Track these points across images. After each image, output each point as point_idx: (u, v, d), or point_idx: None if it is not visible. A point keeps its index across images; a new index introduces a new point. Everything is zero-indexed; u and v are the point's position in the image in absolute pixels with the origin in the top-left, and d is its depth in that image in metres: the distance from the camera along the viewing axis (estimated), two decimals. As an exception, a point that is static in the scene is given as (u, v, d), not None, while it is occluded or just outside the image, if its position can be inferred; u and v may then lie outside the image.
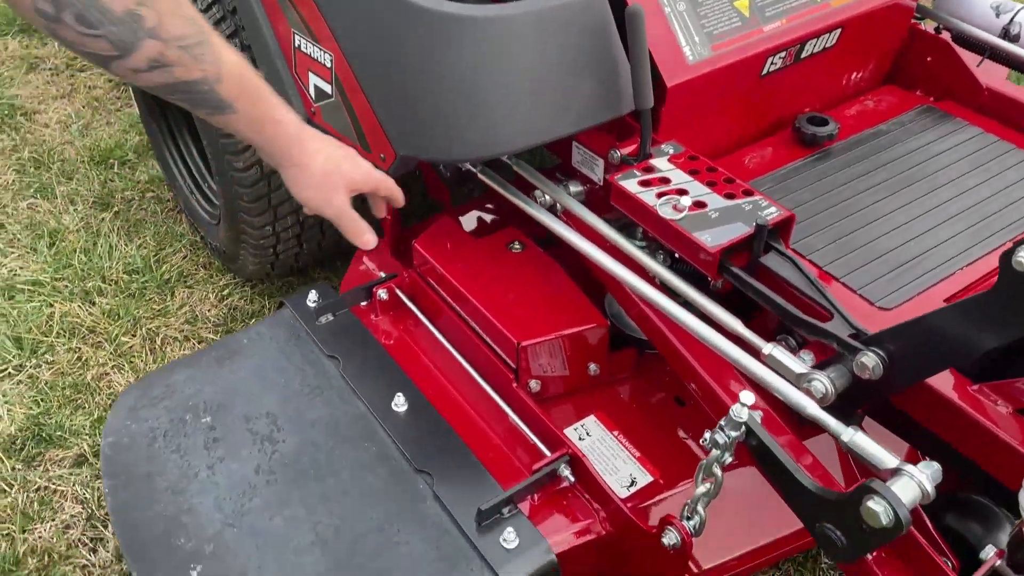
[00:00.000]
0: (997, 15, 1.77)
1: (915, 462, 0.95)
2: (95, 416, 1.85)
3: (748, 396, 1.02)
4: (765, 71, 1.52)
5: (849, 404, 1.11)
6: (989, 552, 1.03)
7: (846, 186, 1.50)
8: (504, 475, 1.30)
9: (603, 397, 1.49)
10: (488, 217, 1.73)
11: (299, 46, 1.51)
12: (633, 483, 1.34)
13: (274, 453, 1.36)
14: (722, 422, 1.04)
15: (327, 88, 1.49)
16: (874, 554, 1.02)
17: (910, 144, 1.60)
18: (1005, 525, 1.14)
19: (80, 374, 1.95)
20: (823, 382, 1.07)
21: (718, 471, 1.07)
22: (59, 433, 1.81)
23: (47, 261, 2.22)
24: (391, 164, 1.41)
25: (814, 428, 1.12)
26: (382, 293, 1.58)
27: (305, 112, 1.57)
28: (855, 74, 1.72)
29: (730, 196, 1.27)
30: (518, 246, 1.56)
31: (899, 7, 1.66)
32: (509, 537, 1.22)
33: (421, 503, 1.28)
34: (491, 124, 1.32)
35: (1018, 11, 1.72)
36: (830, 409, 1.08)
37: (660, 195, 1.28)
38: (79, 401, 1.89)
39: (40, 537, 1.64)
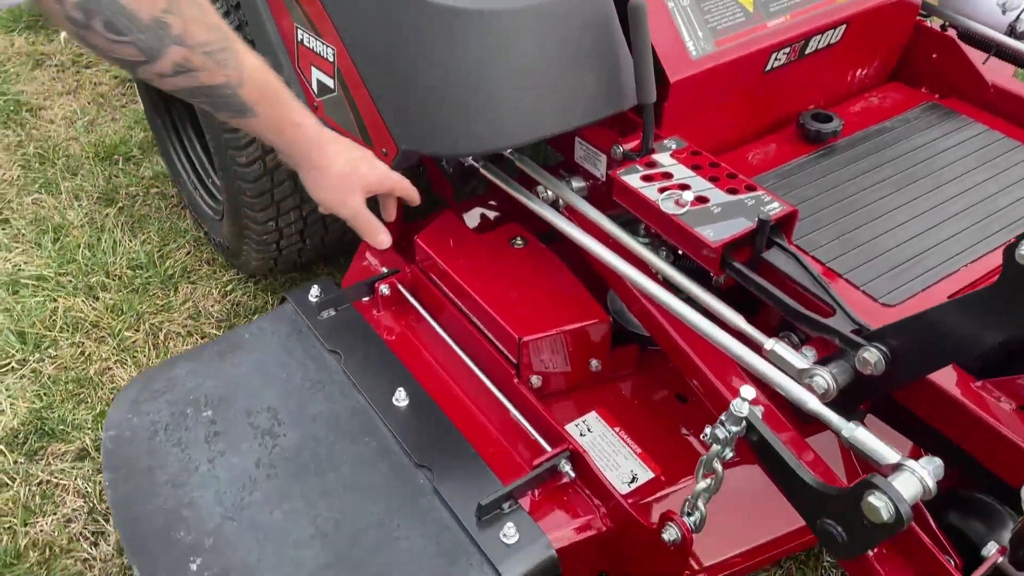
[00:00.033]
0: (1003, 12, 1.76)
1: (917, 459, 0.94)
2: (97, 410, 1.86)
3: (749, 391, 1.02)
4: (769, 67, 1.52)
5: (851, 400, 1.11)
6: (991, 549, 1.02)
7: (850, 183, 1.49)
8: (505, 471, 1.30)
9: (605, 393, 1.49)
10: (491, 213, 1.73)
11: (302, 40, 1.51)
12: (634, 479, 1.34)
13: (275, 447, 1.36)
14: (722, 417, 1.03)
15: (329, 83, 1.49)
16: (875, 551, 1.02)
17: (915, 141, 1.59)
18: (1008, 522, 1.13)
19: (83, 369, 1.95)
20: (825, 378, 1.07)
21: (719, 466, 1.07)
22: (61, 427, 1.82)
23: (51, 256, 2.23)
24: (393, 158, 1.41)
25: (816, 425, 1.11)
26: (384, 288, 1.57)
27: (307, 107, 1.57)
28: (860, 71, 1.71)
29: (732, 191, 1.26)
30: (520, 242, 1.56)
31: (904, 4, 1.66)
32: (509, 532, 1.22)
33: (421, 498, 1.28)
34: (493, 118, 1.32)
35: (1024, 8, 1.71)
36: (832, 405, 1.07)
37: (662, 190, 1.27)
38: (82, 395, 1.90)
39: (41, 531, 1.64)
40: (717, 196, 1.26)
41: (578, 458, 1.30)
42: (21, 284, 2.14)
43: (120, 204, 2.42)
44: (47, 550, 1.61)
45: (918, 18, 1.75)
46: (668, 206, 1.25)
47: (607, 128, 1.46)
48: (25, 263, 2.21)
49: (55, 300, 2.10)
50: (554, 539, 1.23)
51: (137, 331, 2.04)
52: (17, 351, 1.97)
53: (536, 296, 1.46)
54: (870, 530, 0.90)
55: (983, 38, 1.73)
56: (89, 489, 1.71)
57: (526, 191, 1.49)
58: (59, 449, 1.78)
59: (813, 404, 1.06)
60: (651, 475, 1.35)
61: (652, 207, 1.26)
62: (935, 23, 1.79)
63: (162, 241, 2.30)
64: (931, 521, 1.10)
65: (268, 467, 1.33)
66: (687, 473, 1.34)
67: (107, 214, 2.38)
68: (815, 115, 1.60)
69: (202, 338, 2.05)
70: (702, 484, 1.10)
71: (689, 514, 1.15)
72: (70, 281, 2.16)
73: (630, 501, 1.27)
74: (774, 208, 1.23)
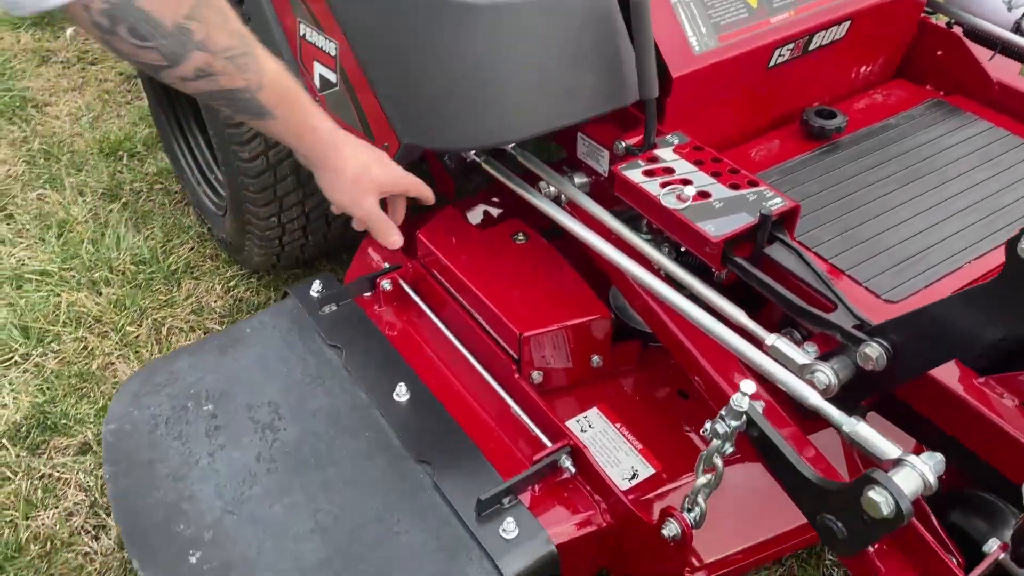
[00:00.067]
0: (1009, 9, 1.75)
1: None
2: (100, 405, 1.86)
3: (749, 385, 1.01)
4: (772, 63, 1.51)
5: (853, 397, 1.10)
6: (992, 546, 1.01)
7: (854, 179, 1.48)
8: (505, 466, 1.30)
9: (606, 389, 1.48)
10: (493, 210, 1.73)
11: (304, 35, 1.51)
12: (635, 475, 1.34)
13: (275, 441, 1.35)
14: (723, 412, 1.03)
15: (332, 77, 1.49)
16: (876, 547, 1.01)
17: (919, 138, 1.58)
18: (1010, 521, 1.12)
19: (86, 363, 1.95)
20: (826, 373, 1.06)
21: (719, 462, 1.06)
22: (64, 421, 1.82)
23: (55, 251, 2.23)
24: (395, 153, 1.41)
25: (819, 423, 1.11)
26: (386, 284, 1.57)
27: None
28: (864, 67, 1.71)
29: (735, 186, 1.26)
30: (522, 237, 1.56)
31: (909, 0, 1.65)
32: (509, 527, 1.21)
33: (421, 493, 1.28)
34: (495, 113, 1.32)
35: (1030, 5, 1.70)
36: (834, 402, 1.07)
37: (664, 185, 1.27)
38: (84, 390, 1.90)
39: (43, 524, 1.64)
40: (719, 191, 1.26)
41: (579, 454, 1.30)
42: (25, 279, 2.15)
43: (124, 200, 2.42)
44: (48, 543, 1.61)
45: (923, 15, 1.74)
46: (670, 201, 1.24)
47: (609, 124, 1.46)
48: (29, 258, 2.22)
49: (58, 295, 2.10)
50: (554, 535, 1.23)
51: (140, 326, 2.05)
52: (20, 345, 1.98)
53: (537, 292, 1.45)
54: (870, 525, 0.90)
55: (988, 35, 1.72)
56: (91, 483, 1.71)
57: (528, 186, 1.48)
58: (61, 443, 1.79)
59: (814, 399, 1.05)
60: (652, 471, 1.35)
61: (654, 202, 1.25)
62: (941, 21, 1.79)
63: (165, 237, 2.30)
64: (933, 518, 1.09)
65: (268, 461, 1.33)
66: (688, 470, 1.33)
67: (111, 210, 2.38)
68: (819, 111, 1.60)
69: (204, 333, 2.05)
70: (702, 480, 1.10)
71: (689, 510, 1.14)
72: (73, 276, 2.16)
73: (630, 497, 1.27)
74: (776, 203, 1.22)
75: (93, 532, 1.64)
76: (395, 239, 1.32)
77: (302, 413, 1.39)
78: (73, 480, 1.72)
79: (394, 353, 1.47)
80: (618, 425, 1.42)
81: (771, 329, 1.18)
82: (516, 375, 1.40)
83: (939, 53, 1.74)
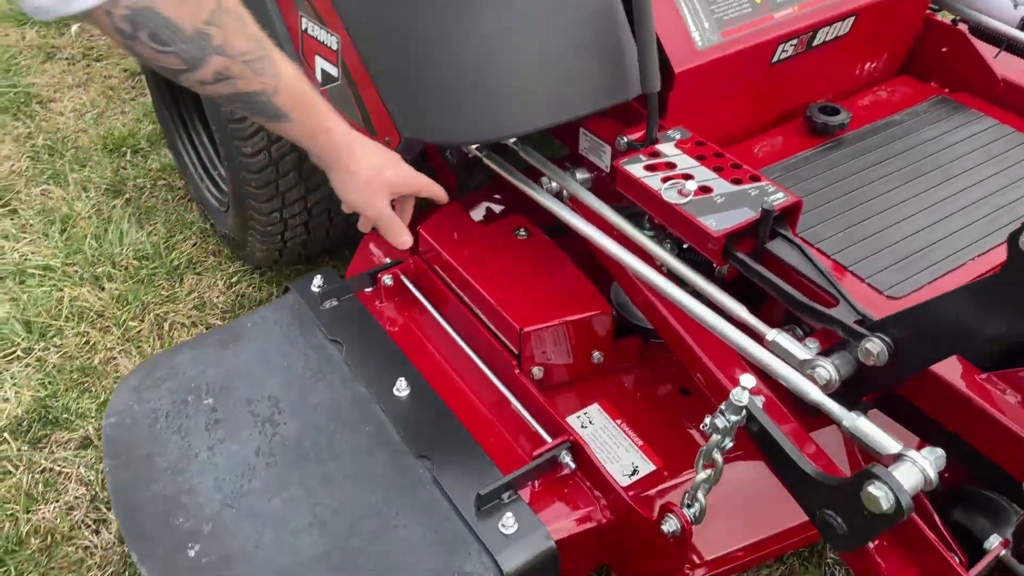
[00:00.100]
0: (1015, 6, 1.74)
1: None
2: (101, 399, 1.86)
3: (749, 379, 1.01)
4: (776, 59, 1.50)
5: (854, 393, 1.09)
6: (993, 542, 1.00)
7: (857, 175, 1.48)
8: (505, 461, 1.29)
9: (607, 386, 1.48)
10: (495, 206, 1.72)
11: (306, 29, 1.51)
12: (635, 471, 1.33)
13: (275, 436, 1.35)
14: (722, 406, 1.02)
15: (334, 72, 1.48)
16: (877, 544, 1.00)
17: (924, 134, 1.57)
18: (1012, 519, 1.12)
19: (88, 358, 1.95)
20: (827, 368, 1.06)
21: (718, 457, 1.06)
22: (65, 416, 1.82)
23: (58, 246, 2.24)
24: (396, 147, 1.41)
25: (821, 420, 1.10)
26: (387, 279, 1.57)
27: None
28: (869, 64, 1.70)
29: (736, 181, 1.25)
30: (523, 233, 1.55)
31: (914, -4, 1.64)
32: (508, 523, 1.21)
33: (421, 488, 1.27)
34: (495, 107, 1.31)
35: (1036, 2, 1.69)
36: (835, 397, 1.06)
37: (665, 179, 1.26)
38: (86, 384, 1.90)
39: (43, 518, 1.64)
40: (721, 186, 1.25)
41: (579, 450, 1.29)
42: (28, 274, 2.15)
43: (127, 195, 2.42)
44: (49, 537, 1.61)
45: (929, 12, 1.73)
46: (671, 195, 1.24)
47: (611, 119, 1.45)
48: (32, 253, 2.22)
49: (61, 290, 2.11)
50: (553, 530, 1.22)
51: (142, 321, 2.05)
52: (23, 340, 1.98)
53: (538, 287, 1.45)
54: (870, 521, 0.89)
55: (994, 32, 1.71)
56: (92, 477, 1.71)
57: (530, 181, 1.48)
58: (63, 437, 1.79)
59: (814, 394, 1.05)
60: (652, 467, 1.34)
61: (655, 196, 1.25)
62: (947, 18, 1.78)
63: (168, 232, 2.30)
64: (934, 515, 1.09)
65: (268, 455, 1.33)
66: (689, 467, 1.32)
67: (114, 205, 2.39)
68: (822, 108, 1.59)
69: (206, 329, 2.05)
70: (702, 475, 1.09)
71: (689, 506, 1.14)
72: (76, 271, 2.17)
73: (631, 493, 1.26)
74: (778, 198, 1.21)
75: (93, 526, 1.64)
76: (405, 239, 1.35)
77: (302, 407, 1.39)
78: (74, 474, 1.72)
79: (394, 348, 1.47)
80: (619, 421, 1.41)
81: (773, 326, 1.17)
82: (516, 371, 1.39)
83: (944, 50, 1.73)
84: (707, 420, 1.04)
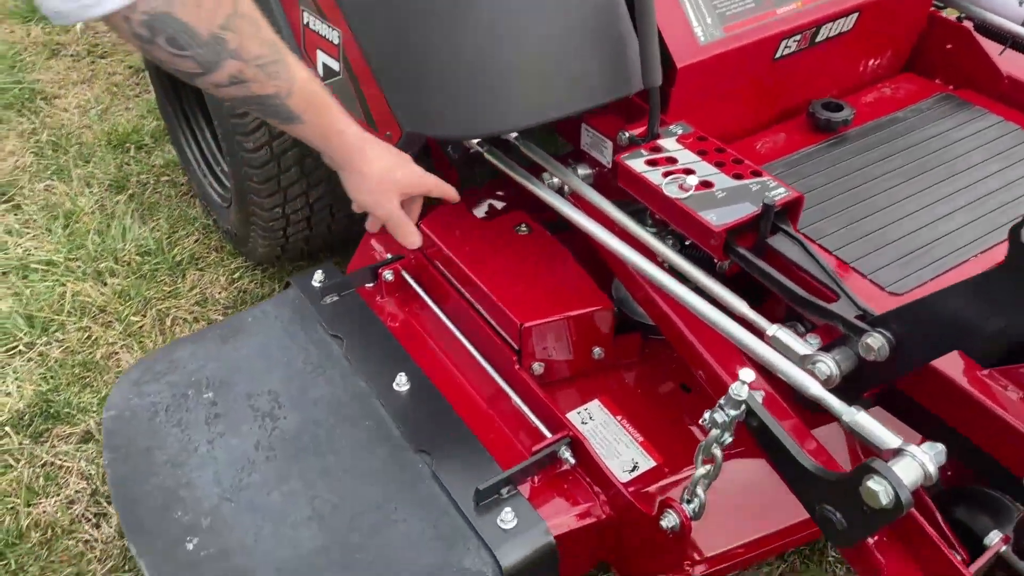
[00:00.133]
0: (1020, 3, 1.73)
1: (921, 447, 0.93)
2: (103, 394, 1.86)
3: (748, 373, 1.00)
4: (779, 54, 1.50)
5: (855, 388, 1.09)
6: (994, 538, 1.00)
7: (860, 172, 1.47)
8: (505, 457, 1.29)
9: (608, 382, 1.47)
10: (496, 203, 1.71)
11: (308, 24, 1.51)
12: (635, 467, 1.32)
13: (274, 430, 1.35)
14: (721, 401, 1.02)
15: (335, 66, 1.48)
16: (877, 540, 1.00)
17: (927, 131, 1.56)
18: (1014, 516, 1.11)
19: (89, 352, 1.95)
20: (828, 364, 1.05)
21: (718, 452, 1.05)
22: (67, 410, 1.82)
23: (61, 241, 2.24)
24: (397, 141, 1.40)
25: (822, 417, 1.09)
26: (388, 274, 1.57)
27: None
28: (872, 60, 1.69)
29: (738, 176, 1.25)
30: (525, 229, 1.55)
31: (918, -8, 1.64)
32: (507, 518, 1.21)
33: (420, 482, 1.27)
34: (496, 100, 1.31)
35: (1042, -1, 1.68)
36: (836, 393, 1.06)
37: (666, 174, 1.26)
38: (88, 379, 1.90)
39: (44, 512, 1.65)
40: (722, 181, 1.24)
41: (578, 445, 1.29)
42: (31, 269, 2.15)
43: (131, 191, 2.43)
44: (49, 531, 1.62)
45: (933, 9, 1.72)
46: (672, 190, 1.23)
47: (613, 115, 1.45)
48: (35, 248, 2.23)
49: (63, 285, 2.11)
50: (552, 526, 1.22)
51: (144, 316, 2.05)
52: (25, 334, 1.98)
53: (539, 283, 1.44)
54: (869, 516, 0.89)
55: (999, 30, 1.70)
56: (92, 471, 1.72)
57: (532, 177, 1.47)
58: (64, 431, 1.79)
59: (814, 389, 1.04)
60: (652, 464, 1.33)
61: (655, 191, 1.24)
62: (951, 14, 1.77)
63: (171, 228, 2.31)
64: (936, 512, 1.08)
65: (267, 449, 1.32)
66: (690, 463, 1.31)
67: (117, 201, 2.39)
68: (825, 104, 1.58)
69: (208, 324, 2.05)
70: (701, 471, 1.09)
71: (688, 501, 1.13)
72: (79, 266, 2.17)
73: (631, 489, 1.26)
74: (779, 193, 1.21)
75: (94, 520, 1.64)
76: (414, 239, 1.35)
77: (302, 402, 1.39)
78: (75, 468, 1.72)
79: (395, 343, 1.47)
80: (619, 418, 1.40)
81: (774, 323, 1.16)
82: (517, 366, 1.39)
83: (948, 47, 1.72)
84: (706, 415, 1.04)
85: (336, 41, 1.45)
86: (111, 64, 3.04)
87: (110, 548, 1.59)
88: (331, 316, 1.52)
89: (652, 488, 1.31)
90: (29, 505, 1.65)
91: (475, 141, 1.54)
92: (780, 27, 1.46)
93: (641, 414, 1.41)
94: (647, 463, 1.33)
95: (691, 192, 1.22)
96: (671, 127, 1.36)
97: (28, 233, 2.28)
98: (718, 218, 1.18)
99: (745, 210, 1.19)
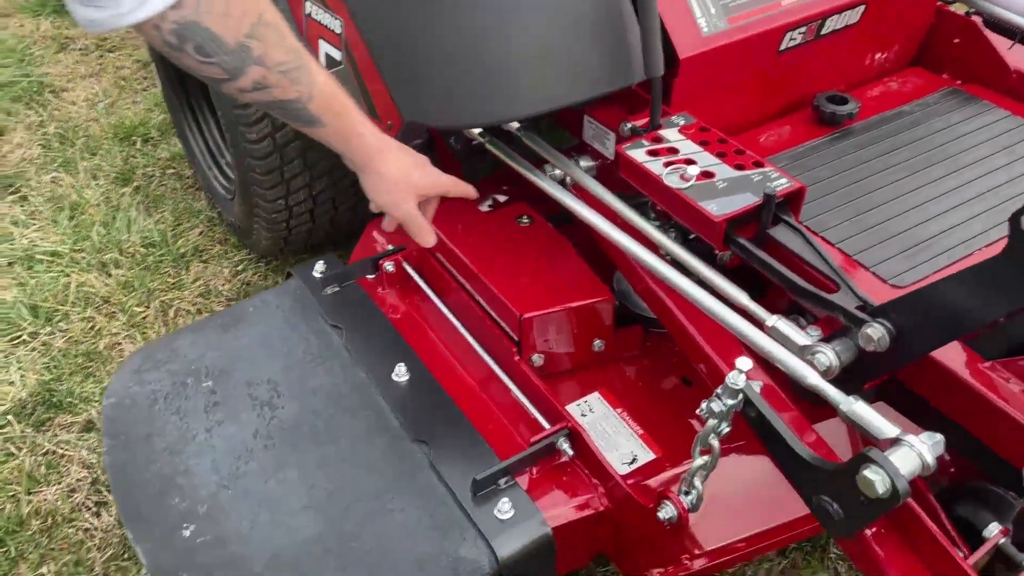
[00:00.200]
0: (1030, -2, 1.72)
1: (920, 439, 0.91)
2: (105, 384, 1.86)
3: (745, 362, 0.99)
4: (783, 47, 1.49)
5: (855, 379, 1.08)
6: (993, 530, 0.99)
7: (864, 165, 1.46)
8: (503, 448, 1.28)
9: (608, 374, 1.47)
10: (499, 196, 1.71)
11: (310, 13, 1.51)
12: (634, 460, 1.32)
13: (273, 419, 1.35)
14: (718, 390, 1.01)
15: (337, 55, 1.48)
16: (875, 532, 0.98)
17: (934, 125, 1.55)
18: (1014, 509, 1.09)
19: (93, 343, 1.96)
20: (827, 354, 1.04)
21: (715, 442, 1.04)
22: (69, 399, 1.83)
23: (66, 233, 2.25)
24: (398, 131, 1.40)
25: (823, 411, 1.08)
26: (388, 266, 1.57)
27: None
28: (879, 54, 1.68)
29: (739, 167, 1.24)
30: (526, 220, 1.54)
31: (925, -14, 1.62)
32: (504, 508, 1.20)
33: (418, 472, 1.26)
34: (497, 90, 1.30)
35: (1051, -6, 1.67)
36: (836, 384, 1.05)
37: (667, 164, 1.25)
38: (90, 369, 1.91)
39: (45, 500, 1.65)
40: (723, 171, 1.23)
41: (577, 437, 1.28)
42: (36, 259, 2.16)
43: (136, 184, 2.44)
44: (50, 518, 1.62)
45: (942, 3, 1.71)
46: (672, 180, 1.22)
47: (616, 106, 1.44)
48: (41, 239, 2.23)
49: (68, 275, 2.12)
50: (550, 517, 1.21)
51: (147, 307, 2.05)
52: (29, 324, 1.99)
53: (540, 274, 1.44)
54: (866, 506, 0.88)
55: (1008, 25, 1.69)
56: (93, 460, 1.72)
57: (534, 168, 1.47)
58: (66, 421, 1.79)
59: (813, 379, 1.03)
60: (652, 456, 1.32)
61: (656, 181, 1.24)
62: (960, 9, 1.75)
63: (176, 220, 2.31)
64: (936, 505, 1.07)
65: (266, 438, 1.32)
66: (689, 456, 1.31)
67: (123, 193, 2.40)
68: (831, 97, 1.57)
69: (211, 316, 2.05)
70: (698, 461, 1.08)
71: (686, 493, 1.13)
72: (84, 257, 2.18)
73: (629, 482, 1.25)
74: (781, 184, 1.20)
75: (94, 508, 1.65)
76: (430, 239, 1.37)
77: (302, 391, 1.39)
78: (76, 457, 1.73)
79: (394, 334, 1.46)
80: (619, 410, 1.40)
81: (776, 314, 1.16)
82: (516, 358, 1.38)
83: (957, 41, 1.71)
84: (703, 404, 1.03)
85: (338, 30, 1.45)
86: (119, 58, 3.05)
87: (110, 536, 1.60)
88: (331, 306, 1.52)
89: (651, 481, 1.30)
90: (30, 493, 1.66)
91: (477, 132, 1.53)
92: (785, 19, 1.45)
93: (642, 407, 1.41)
94: (646, 456, 1.33)
95: (692, 182, 1.21)
96: (673, 118, 1.35)
97: (34, 224, 2.29)
98: (719, 208, 1.17)
99: (746, 200, 1.18)
